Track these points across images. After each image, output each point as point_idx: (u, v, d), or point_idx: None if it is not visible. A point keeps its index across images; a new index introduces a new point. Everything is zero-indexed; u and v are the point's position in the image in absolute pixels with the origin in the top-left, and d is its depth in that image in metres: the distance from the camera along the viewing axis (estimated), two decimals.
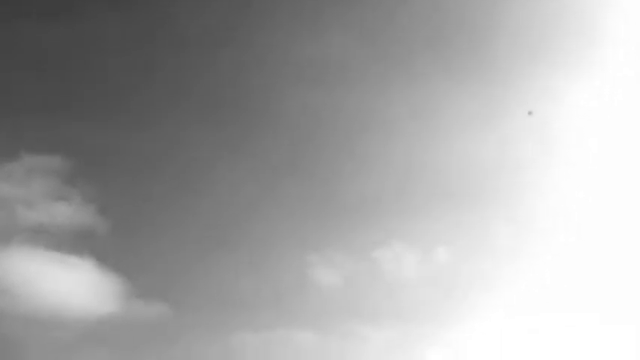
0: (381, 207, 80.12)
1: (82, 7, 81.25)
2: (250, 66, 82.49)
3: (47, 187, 74.75)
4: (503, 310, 73.67)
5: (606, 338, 68.82)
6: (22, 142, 74.82)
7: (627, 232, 74.82)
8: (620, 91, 79.06)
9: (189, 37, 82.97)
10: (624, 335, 68.43)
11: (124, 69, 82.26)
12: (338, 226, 78.83)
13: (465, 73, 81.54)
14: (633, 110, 79.23)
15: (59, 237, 72.86)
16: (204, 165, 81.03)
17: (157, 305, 70.77)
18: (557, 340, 70.64)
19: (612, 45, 78.60)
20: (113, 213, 75.34)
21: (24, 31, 78.89)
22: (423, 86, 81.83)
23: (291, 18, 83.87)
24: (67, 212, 74.08)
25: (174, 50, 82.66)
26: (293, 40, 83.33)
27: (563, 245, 76.46)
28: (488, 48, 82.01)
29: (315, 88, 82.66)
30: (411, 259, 77.27)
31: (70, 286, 71.60)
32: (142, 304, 70.70)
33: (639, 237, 74.50)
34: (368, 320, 73.54)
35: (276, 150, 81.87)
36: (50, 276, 71.49)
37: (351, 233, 77.64)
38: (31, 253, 71.79)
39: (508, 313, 73.29)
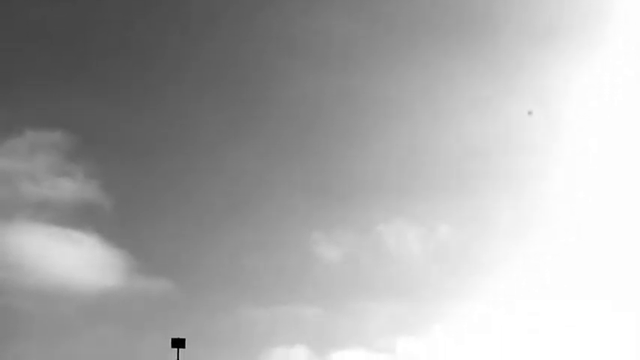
0: (384, 185, 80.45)
1: None
2: (254, 46, 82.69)
3: (50, 162, 74.82)
4: (504, 290, 74.13)
5: (607, 323, 69.25)
6: (25, 118, 74.83)
7: (630, 219, 75.33)
8: (626, 77, 79.32)
9: (192, 15, 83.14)
10: (625, 321, 68.77)
11: (128, 46, 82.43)
12: (342, 204, 79.12)
13: (470, 56, 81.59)
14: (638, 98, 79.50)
15: (63, 212, 72.98)
16: (209, 143, 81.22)
17: (161, 280, 70.95)
18: (557, 323, 71.13)
19: (619, 31, 78.89)
20: (117, 189, 75.45)
21: (28, 8, 79.08)
22: (427, 68, 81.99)
23: None
24: (71, 188, 74.17)
25: (178, 28, 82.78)
26: (297, 21, 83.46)
27: (566, 229, 76.88)
28: (494, 32, 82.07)
29: (319, 68, 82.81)
30: (413, 237, 77.68)
31: (74, 260, 71.71)
32: (146, 279, 70.86)
33: None
34: (372, 296, 73.87)
35: (280, 130, 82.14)
36: (54, 251, 71.63)
37: (355, 211, 78.01)
38: (35, 228, 71.93)
39: (509, 293, 73.72)
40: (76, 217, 73.17)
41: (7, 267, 68.14)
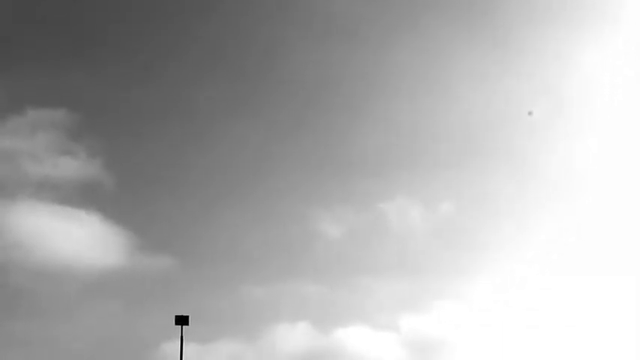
0: (385, 161, 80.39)
1: None
2: (255, 20, 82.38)
3: (52, 141, 74.72)
4: (507, 267, 74.21)
5: (610, 296, 69.33)
6: (26, 96, 74.80)
7: (634, 191, 75.27)
8: (631, 51, 78.98)
9: None
10: (629, 293, 68.89)
11: (128, 22, 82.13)
12: (343, 180, 79.09)
13: (471, 30, 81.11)
14: None
15: (65, 191, 73.02)
16: (210, 119, 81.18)
17: (164, 258, 71.04)
18: (562, 300, 71.24)
19: (625, 5, 78.42)
20: (119, 167, 75.49)
21: None
22: (429, 42, 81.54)
23: None
24: (73, 166, 74.15)
25: (178, 2, 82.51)
26: None
27: (570, 204, 76.85)
28: (497, 5, 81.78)
29: (321, 44, 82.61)
30: (415, 214, 77.75)
31: (77, 239, 71.82)
32: (149, 256, 70.96)
33: None
34: (374, 273, 73.94)
35: (282, 105, 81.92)
36: (57, 230, 71.73)
37: (357, 188, 77.90)
38: (37, 207, 72.00)
39: (512, 270, 73.81)
40: (79, 195, 73.40)
41: (9, 246, 68.39)
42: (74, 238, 71.63)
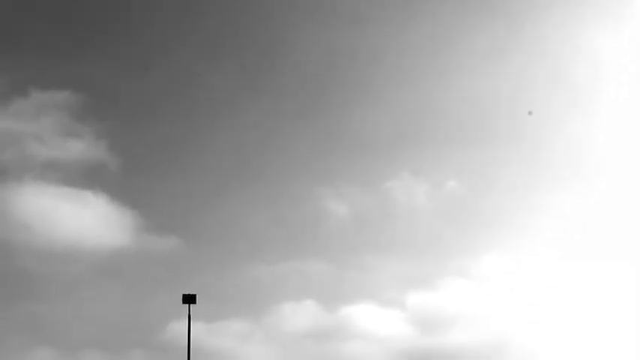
0: (391, 140, 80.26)
1: None
2: (263, 2, 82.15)
3: (57, 123, 74.74)
4: (513, 244, 74.30)
5: (614, 279, 69.43)
6: (30, 78, 74.71)
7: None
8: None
9: None
10: (632, 278, 68.94)
11: (133, 4, 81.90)
12: (349, 159, 79.06)
13: (479, 11, 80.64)
14: None
15: (71, 172, 73.16)
16: (217, 101, 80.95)
17: (170, 238, 71.27)
18: (565, 276, 71.38)
19: None
20: (124, 148, 75.56)
21: None
22: (435, 22, 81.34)
23: None
24: (79, 148, 74.22)
25: None
26: None
27: (575, 182, 76.85)
28: None
29: (328, 25, 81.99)
30: (421, 191, 77.78)
31: (83, 220, 72.03)
32: (155, 237, 71.22)
33: None
34: (380, 251, 74.13)
35: (288, 86, 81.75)
36: (63, 211, 71.92)
37: (363, 166, 77.91)
38: (43, 189, 72.20)
39: (518, 248, 73.91)
40: (84, 177, 73.53)
41: (16, 228, 68.67)
42: (80, 220, 71.95)
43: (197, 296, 46.19)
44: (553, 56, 79.58)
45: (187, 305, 45.53)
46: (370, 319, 68.84)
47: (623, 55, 77.58)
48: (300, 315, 68.35)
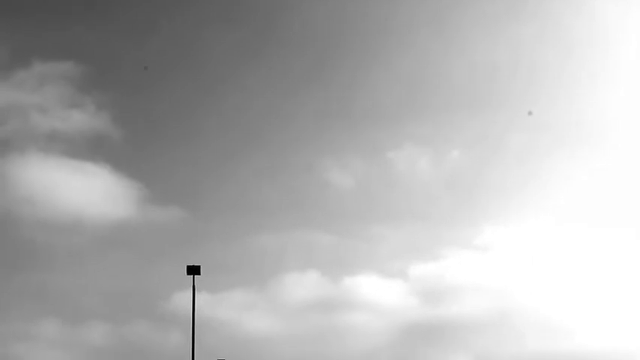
0: (394, 110, 79.99)
1: None
2: None
3: (60, 94, 74.48)
4: (516, 213, 74.31)
5: (617, 246, 69.60)
6: (32, 48, 74.41)
7: None
8: None
9: None
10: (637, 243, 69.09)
11: None
12: (352, 129, 78.85)
13: None
14: None
15: (74, 144, 73.04)
16: (222, 72, 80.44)
17: (174, 209, 71.42)
18: (569, 246, 71.48)
19: None
20: (127, 119, 75.37)
21: None
22: None
23: None
24: (82, 119, 74.04)
25: None
26: None
27: (579, 150, 76.73)
28: None
29: None
30: (424, 161, 77.77)
31: (87, 192, 72.12)
32: (159, 208, 71.39)
33: None
34: (384, 221, 74.18)
35: (291, 56, 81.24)
36: (67, 183, 71.98)
37: (365, 136, 77.74)
38: (46, 161, 72.22)
39: (521, 217, 73.95)
40: (88, 148, 73.49)
41: (20, 200, 68.76)
42: (84, 191, 72.02)
43: (201, 267, 46.19)
44: (557, 21, 79.37)
45: (191, 276, 45.59)
46: (373, 290, 69.11)
47: (627, 16, 77.40)
48: (303, 285, 68.63)
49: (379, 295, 68.92)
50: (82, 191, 71.70)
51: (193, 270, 45.07)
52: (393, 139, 77.91)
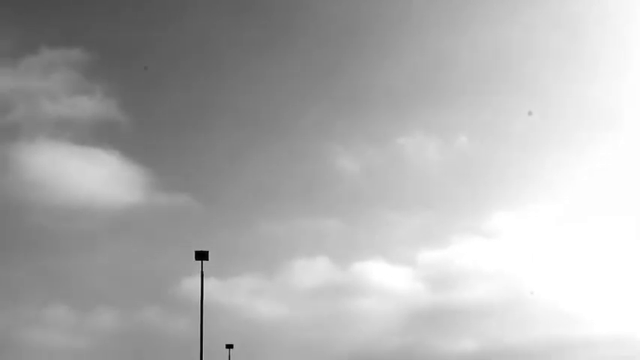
0: (402, 97, 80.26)
1: None
2: None
3: (68, 80, 74.47)
4: (523, 199, 74.32)
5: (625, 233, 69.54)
6: (40, 35, 74.51)
7: None
8: None
9: None
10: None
11: None
12: (361, 116, 79.17)
13: None
14: None
15: (82, 131, 73.14)
16: (232, 59, 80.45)
17: (182, 195, 71.60)
18: (575, 231, 71.43)
19: None
20: (135, 106, 75.54)
21: None
22: None
23: None
24: (90, 106, 74.08)
25: None
26: None
27: (586, 135, 76.60)
28: None
29: None
30: (432, 148, 77.71)
31: (96, 178, 72.21)
32: (167, 194, 71.48)
33: None
34: (392, 208, 74.40)
35: (301, 44, 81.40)
36: (76, 169, 72.16)
37: (374, 123, 78.05)
38: (55, 147, 72.33)
39: (528, 202, 73.96)
40: (96, 135, 73.67)
41: (29, 186, 68.93)
42: (93, 177, 72.17)
43: (209, 253, 46.26)
44: (566, 7, 79.07)
45: (200, 262, 45.67)
46: (382, 275, 69.31)
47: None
48: (312, 271, 68.83)
49: (388, 281, 69.25)
50: (90, 177, 71.94)
51: (202, 255, 45.04)
52: (402, 127, 78.18)
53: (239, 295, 66.13)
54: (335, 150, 76.50)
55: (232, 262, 65.72)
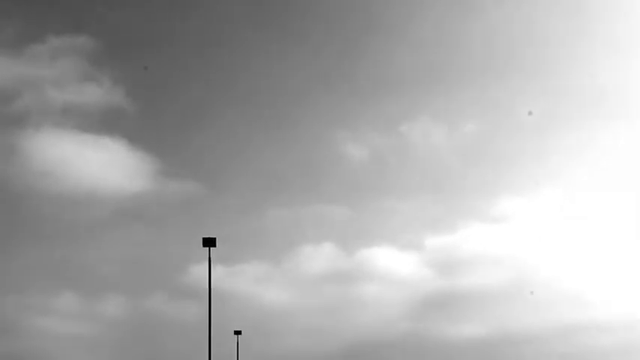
0: (408, 83, 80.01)
1: None
2: None
3: (74, 68, 74.47)
4: (529, 184, 74.27)
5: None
6: (46, 23, 74.47)
7: None
8: None
9: None
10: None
11: None
12: (367, 102, 79.03)
13: None
14: None
15: (89, 118, 73.19)
16: (239, 47, 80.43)
17: (189, 182, 71.71)
18: (585, 214, 71.36)
19: None
20: (142, 93, 75.54)
21: None
22: None
23: None
24: (97, 93, 74.09)
25: None
26: None
27: (596, 120, 76.41)
28: None
29: None
30: (439, 133, 77.59)
31: (103, 166, 72.41)
32: (174, 181, 71.68)
33: None
34: (398, 193, 74.49)
35: (306, 28, 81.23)
36: (83, 157, 72.30)
37: (380, 109, 77.81)
38: (62, 135, 72.44)
39: (534, 187, 73.88)
40: (103, 122, 73.73)
41: (36, 174, 69.19)
42: (100, 165, 72.36)
43: (217, 239, 46.30)
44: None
45: (207, 248, 45.72)
46: (388, 261, 69.39)
47: None
48: (318, 258, 68.96)
49: (395, 266, 69.40)
50: (98, 165, 72.15)
51: (209, 242, 45.06)
52: (408, 112, 78.16)
53: (246, 282, 66.41)
54: (342, 136, 76.62)
55: (240, 249, 65.94)
